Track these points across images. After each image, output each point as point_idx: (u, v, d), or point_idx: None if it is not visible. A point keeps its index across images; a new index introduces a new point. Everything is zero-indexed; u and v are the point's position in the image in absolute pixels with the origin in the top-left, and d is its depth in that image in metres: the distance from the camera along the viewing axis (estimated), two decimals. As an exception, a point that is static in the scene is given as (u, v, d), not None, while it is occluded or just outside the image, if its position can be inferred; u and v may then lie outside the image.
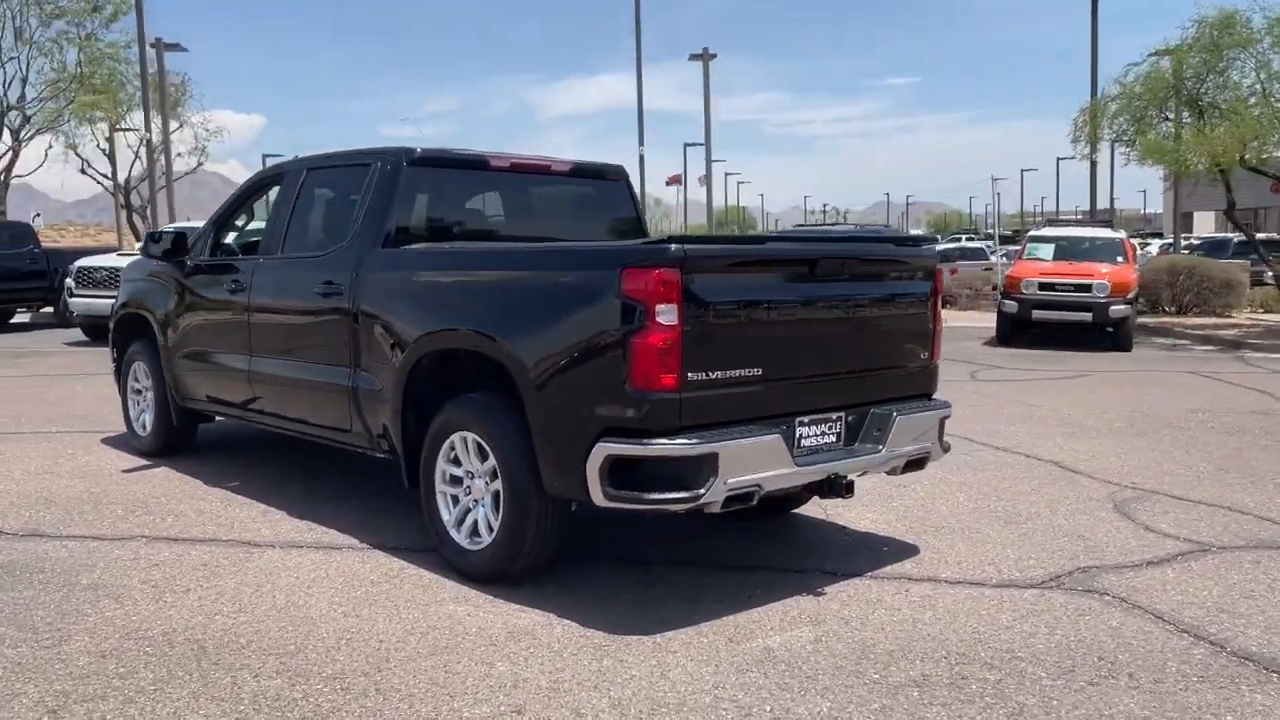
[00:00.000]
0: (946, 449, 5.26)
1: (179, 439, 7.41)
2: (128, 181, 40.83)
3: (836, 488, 4.60)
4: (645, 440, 4.07)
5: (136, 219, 39.87)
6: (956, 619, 4.37)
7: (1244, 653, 4.04)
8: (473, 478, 4.76)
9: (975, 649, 4.05)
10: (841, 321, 4.72)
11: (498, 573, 4.66)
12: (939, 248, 18.14)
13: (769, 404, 4.43)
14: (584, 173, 6.29)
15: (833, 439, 4.74)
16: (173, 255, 6.81)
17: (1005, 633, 4.22)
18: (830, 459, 4.64)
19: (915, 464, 5.07)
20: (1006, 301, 17.02)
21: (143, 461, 7.35)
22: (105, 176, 39.42)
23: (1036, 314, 16.65)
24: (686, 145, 50.36)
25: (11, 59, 32.08)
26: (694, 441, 4.09)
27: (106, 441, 8.07)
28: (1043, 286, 16.64)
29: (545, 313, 4.38)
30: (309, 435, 6.00)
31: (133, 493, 6.44)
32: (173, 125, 39.47)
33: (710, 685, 3.70)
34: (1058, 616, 4.41)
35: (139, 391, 7.66)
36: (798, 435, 4.57)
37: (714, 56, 29.65)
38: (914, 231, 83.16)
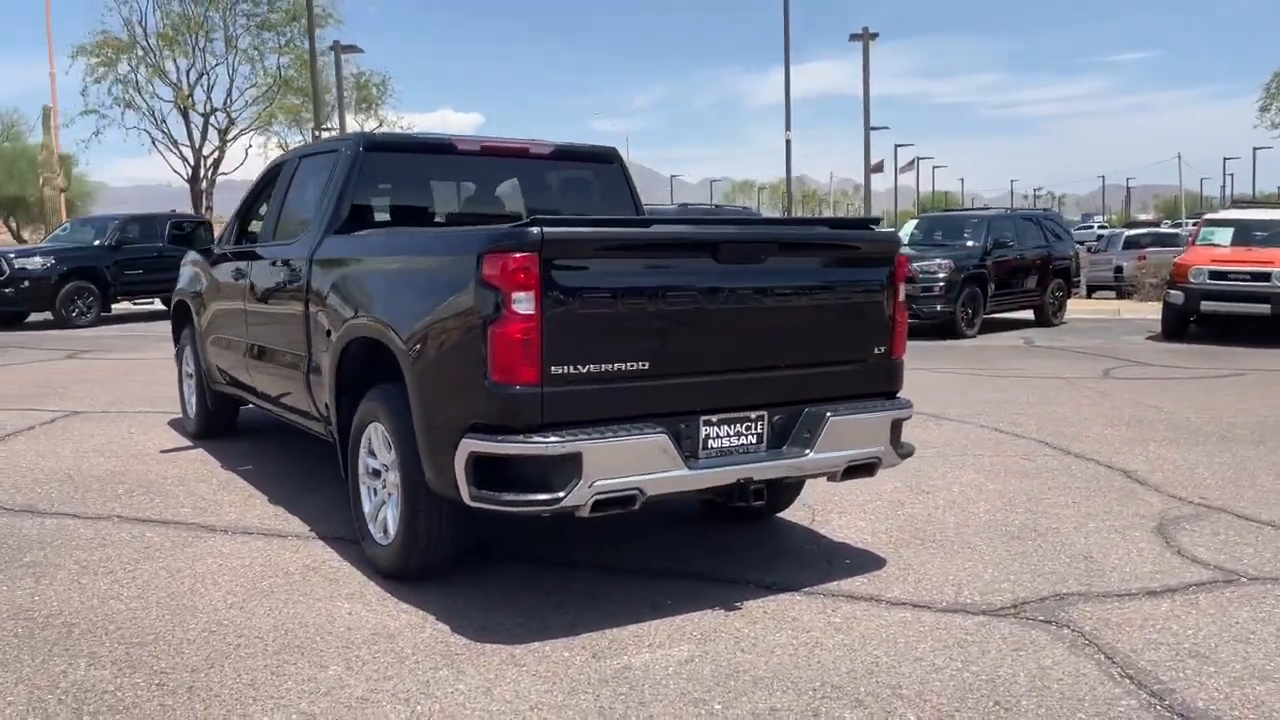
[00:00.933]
0: (907, 454, 4.70)
1: (218, 422, 7.63)
2: None
3: (744, 494, 4.17)
4: (504, 437, 3.80)
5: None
6: (865, 646, 3.87)
7: (1184, 709, 3.39)
8: (386, 470, 4.61)
9: (859, 682, 3.57)
10: (761, 312, 4.26)
11: (397, 570, 4.50)
12: (1101, 232, 16.51)
13: (662, 401, 4.06)
14: (569, 155, 6.02)
15: (752, 440, 4.30)
16: (192, 244, 6.98)
17: (910, 665, 3.71)
18: (742, 462, 4.21)
19: (861, 470, 4.55)
20: (1172, 292, 15.49)
21: (185, 443, 7.62)
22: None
23: (1205, 305, 15.08)
24: (870, 129, 48.60)
25: (218, 65, 34.52)
26: (554, 440, 3.78)
27: (172, 423, 8.43)
28: (1214, 275, 15.04)
29: (422, 301, 4.17)
30: (292, 421, 6.02)
31: (149, 473, 6.66)
32: (372, 124, 41.75)
33: (530, 704, 3.40)
34: (986, 649, 3.85)
35: (189, 375, 7.95)
36: (703, 436, 4.17)
37: (875, 36, 28.53)
38: (1142, 216, 77.30)
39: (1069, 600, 4.36)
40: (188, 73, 33.78)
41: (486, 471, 3.85)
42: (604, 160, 6.13)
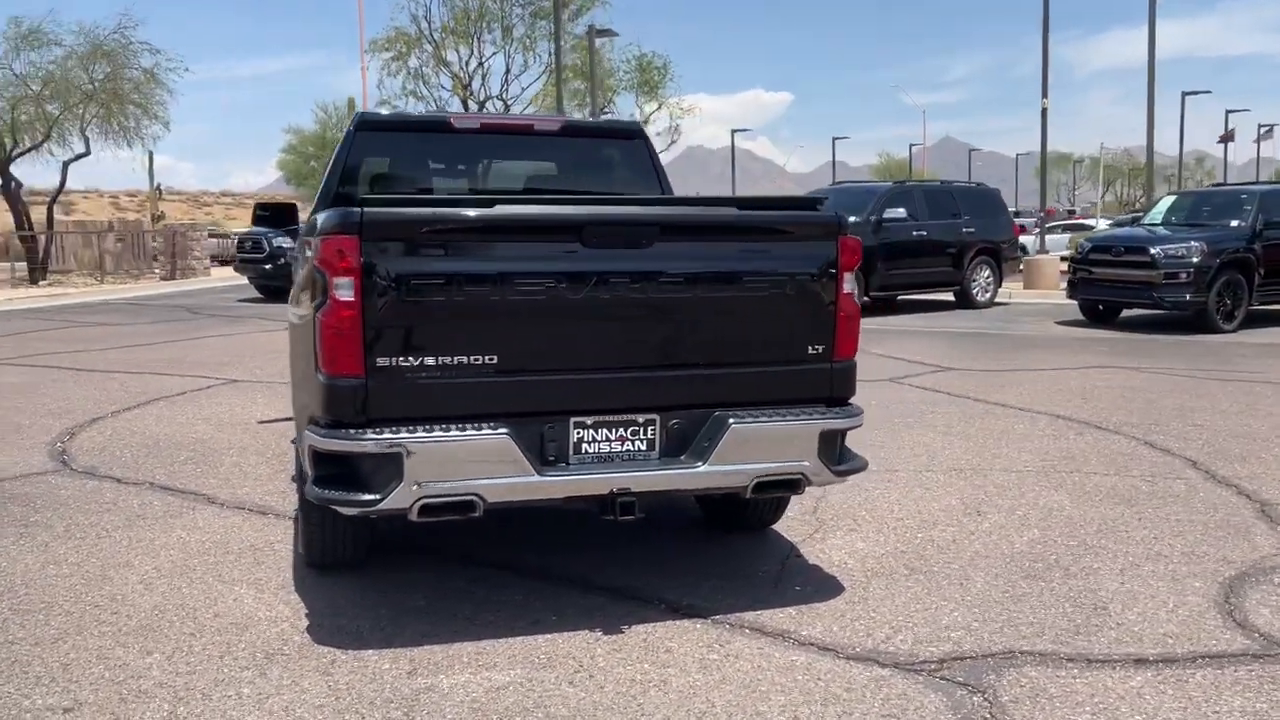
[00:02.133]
0: (851, 469, 4.03)
1: None
2: None
3: (611, 507, 3.71)
4: (328, 432, 3.57)
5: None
6: (713, 690, 3.34)
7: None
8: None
9: (658, 736, 3.07)
10: (650, 305, 3.75)
11: (308, 561, 4.40)
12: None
13: (515, 400, 3.67)
14: (584, 132, 5.66)
15: (640, 447, 3.82)
16: (276, 224, 7.19)
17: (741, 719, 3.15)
18: (617, 471, 3.75)
19: (780, 486, 3.93)
20: None
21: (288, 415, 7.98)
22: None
23: None
24: (1186, 94, 43.68)
25: (495, 54, 36.32)
26: (370, 437, 3.51)
27: (300, 395, 8.86)
28: None
29: (297, 288, 4.02)
30: None
31: (221, 442, 7.00)
32: (651, 106, 42.62)
33: (274, 706, 3.17)
34: (854, 709, 3.20)
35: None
36: (574, 439, 3.75)
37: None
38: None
39: (1017, 660, 3.57)
40: (466, 63, 35.84)
41: (324, 467, 3.65)
42: (625, 136, 5.72)
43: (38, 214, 26.74)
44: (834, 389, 4.00)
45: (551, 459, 3.71)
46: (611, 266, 3.68)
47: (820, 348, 3.94)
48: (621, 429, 3.78)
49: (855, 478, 5.85)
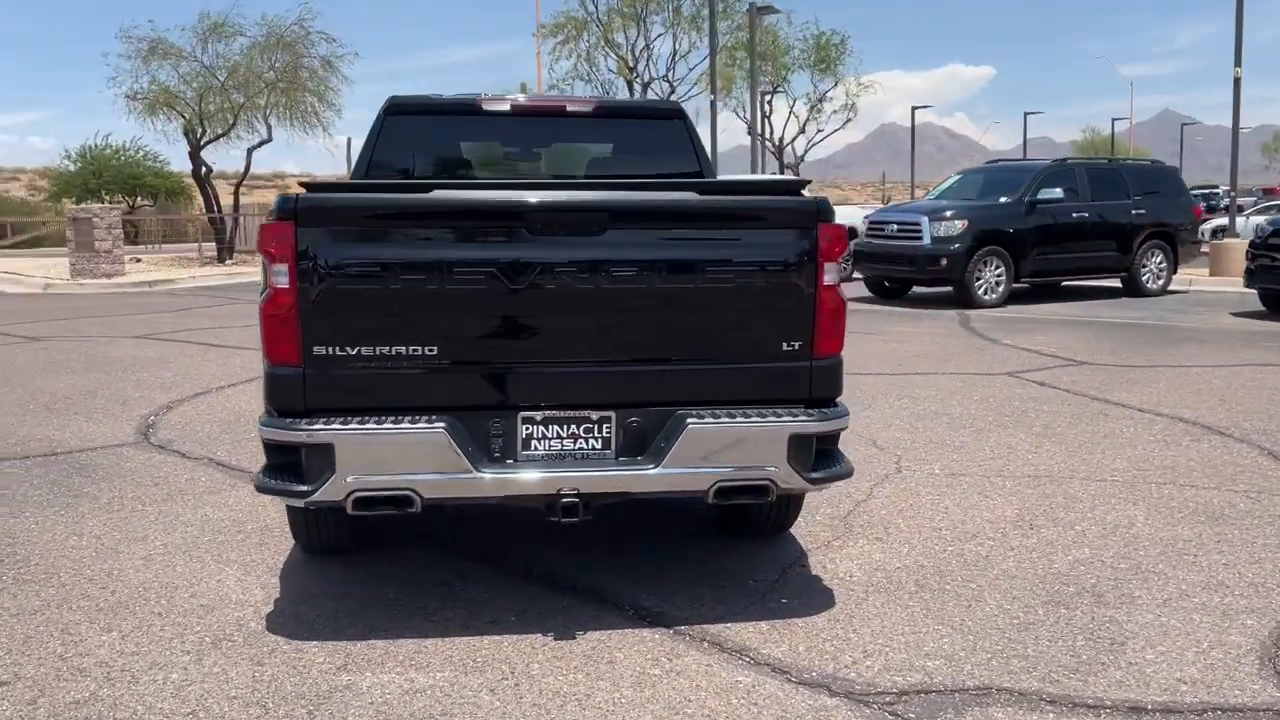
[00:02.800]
0: (830, 477, 3.69)
1: None
2: (781, 140, 43.79)
3: (555, 509, 3.51)
4: (269, 421, 3.53)
5: (789, 174, 42.85)
6: (622, 713, 3.12)
7: None
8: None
9: (549, 757, 2.88)
10: (605, 295, 3.52)
11: (303, 547, 4.42)
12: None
13: (458, 392, 3.53)
14: (619, 113, 5.44)
15: (595, 445, 3.61)
16: None
17: (644, 748, 2.93)
18: (565, 470, 3.55)
19: (747, 492, 3.64)
20: None
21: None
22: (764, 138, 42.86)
23: None
24: None
25: (660, 35, 36.22)
26: (302, 427, 3.44)
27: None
28: None
29: None
30: None
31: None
32: (828, 84, 41.78)
33: (199, 709, 3.15)
34: (768, 747, 2.93)
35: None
36: (522, 435, 3.58)
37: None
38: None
39: (989, 699, 3.19)
40: (633, 45, 35.91)
41: (273, 457, 3.61)
42: (663, 117, 5.47)
43: (230, 197, 28.47)
44: (814, 389, 3.67)
45: (498, 455, 3.55)
46: (559, 255, 3.48)
47: (797, 344, 3.63)
48: (574, 426, 3.59)
49: (911, 482, 5.51)
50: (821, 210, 3.58)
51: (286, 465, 3.54)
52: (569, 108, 5.39)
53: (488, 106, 5.26)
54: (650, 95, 35.75)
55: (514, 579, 4.21)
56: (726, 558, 4.44)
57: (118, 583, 4.17)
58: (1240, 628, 3.70)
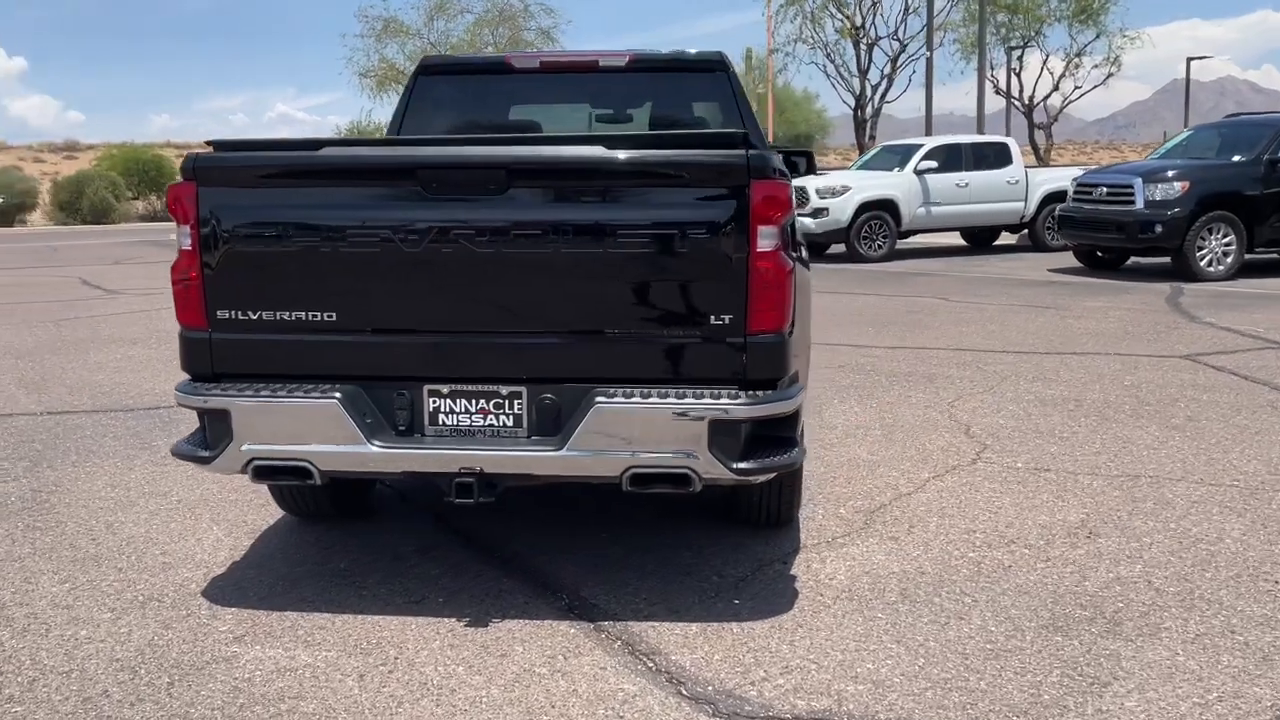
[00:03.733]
0: (748, 470, 3.24)
1: None
2: (1031, 99, 40.88)
3: (464, 489, 3.27)
4: (182, 385, 3.49)
5: (1040, 136, 39.87)
6: (473, 714, 2.87)
7: None
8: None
9: (362, 755, 2.68)
10: (514, 260, 3.21)
11: (292, 512, 4.41)
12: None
13: (359, 361, 3.35)
14: (653, 66, 5.06)
15: (506, 422, 3.34)
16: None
17: (467, 756, 2.67)
18: (471, 448, 3.30)
19: (665, 480, 3.25)
20: None
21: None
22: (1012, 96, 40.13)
23: None
24: None
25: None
26: (200, 392, 3.37)
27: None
28: None
29: None
30: None
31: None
32: (1089, 36, 38.67)
33: (77, 670, 3.16)
34: (597, 770, 2.60)
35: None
36: (430, 409, 3.36)
37: None
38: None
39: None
40: (859, 2, 34.46)
41: (199, 422, 3.58)
42: (703, 69, 5.05)
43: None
44: (750, 369, 3.24)
45: (403, 429, 3.36)
46: (458, 216, 3.22)
47: (726, 319, 3.20)
48: (483, 401, 3.33)
49: (978, 476, 4.88)
50: (754, 166, 3.13)
51: (198, 430, 3.50)
52: (602, 63, 5.07)
53: (518, 64, 5.04)
54: (880, 51, 34.22)
55: (473, 558, 4.02)
56: (709, 548, 4.07)
57: (109, 536, 4.30)
58: (1273, 680, 2.98)
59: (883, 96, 34.62)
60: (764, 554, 4.00)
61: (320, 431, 3.29)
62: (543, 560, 3.95)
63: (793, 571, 3.83)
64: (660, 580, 3.75)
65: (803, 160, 7.01)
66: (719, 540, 4.14)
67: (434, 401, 3.34)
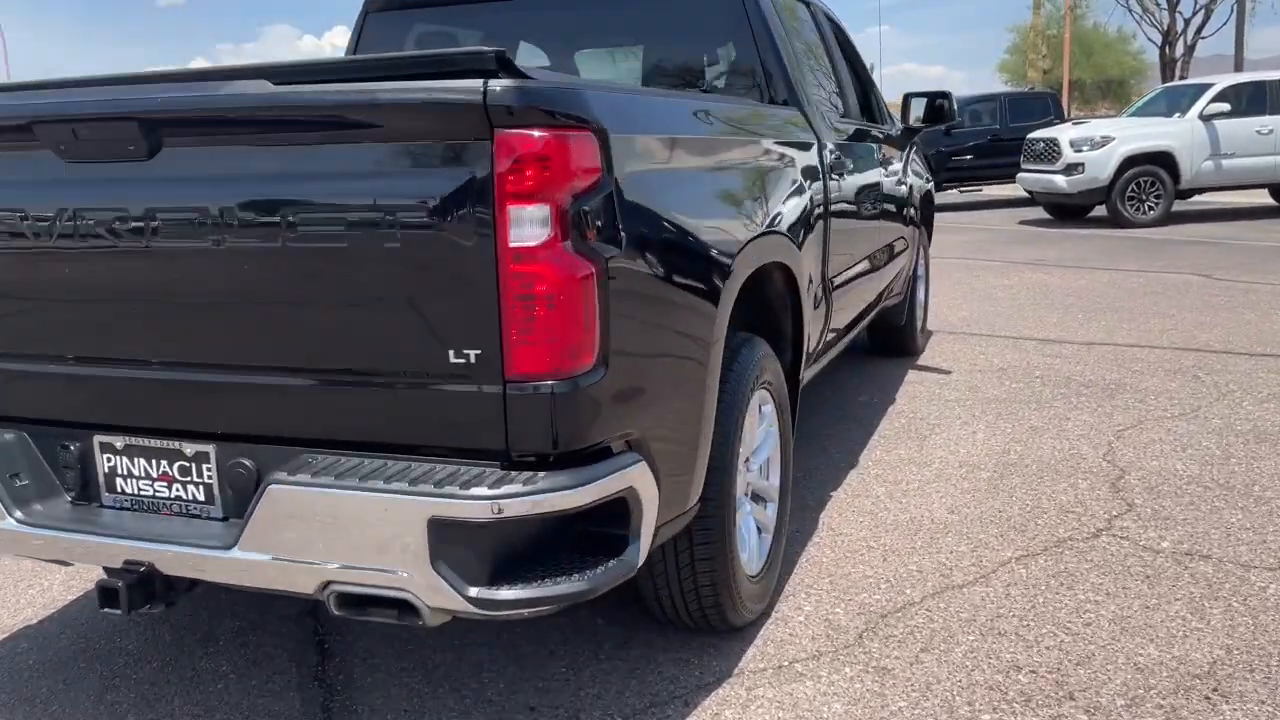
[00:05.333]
0: (496, 603, 2.00)
1: None
2: (1169, 29, 33.89)
3: (108, 596, 2.24)
4: None
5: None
6: None
7: None
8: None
9: None
10: (170, 257, 2.15)
11: None
12: None
13: (19, 398, 2.42)
14: None
15: (196, 495, 2.30)
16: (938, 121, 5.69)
17: None
18: (135, 532, 2.28)
19: (380, 605, 2.08)
20: None
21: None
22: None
23: None
24: None
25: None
26: None
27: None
28: None
29: None
30: None
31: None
32: None
33: None
34: None
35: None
36: (104, 468, 2.37)
37: None
38: None
39: None
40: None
41: None
42: None
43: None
44: (514, 435, 2.02)
45: (73, 492, 2.40)
46: (93, 196, 2.19)
47: (471, 354, 2.00)
48: (164, 463, 2.31)
49: (1095, 558, 3.36)
50: (498, 106, 1.88)
51: None
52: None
53: (485, -7, 3.94)
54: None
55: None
56: (609, 659, 2.87)
57: None
58: None
59: (1198, 32, 30.03)
60: (680, 678, 2.75)
61: None
62: (360, 644, 2.89)
63: (742, 635, 2.58)
64: (569, 636, 2.61)
65: (945, 102, 5.52)
66: (638, 641, 2.92)
67: (109, 458, 2.36)
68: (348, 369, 2.10)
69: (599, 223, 2.03)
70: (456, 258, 1.96)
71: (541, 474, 2.00)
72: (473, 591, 1.99)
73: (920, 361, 6.28)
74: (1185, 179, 13.79)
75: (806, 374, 3.76)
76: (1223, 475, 4.13)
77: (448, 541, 1.97)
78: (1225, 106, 13.76)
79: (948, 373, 5.97)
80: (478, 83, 1.88)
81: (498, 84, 1.88)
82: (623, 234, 2.09)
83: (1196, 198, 14.83)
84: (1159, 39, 30.75)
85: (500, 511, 1.95)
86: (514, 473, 2.00)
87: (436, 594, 2.00)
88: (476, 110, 1.88)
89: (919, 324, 6.50)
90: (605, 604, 2.71)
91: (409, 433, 2.09)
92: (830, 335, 4.00)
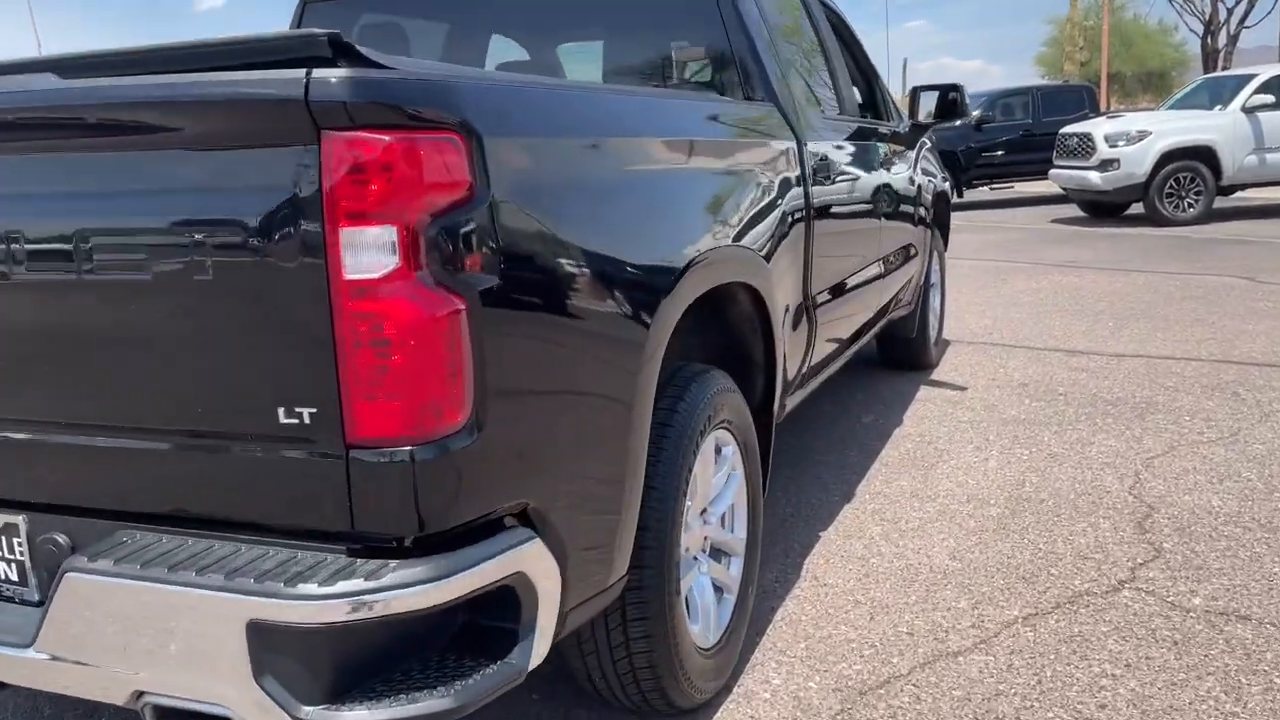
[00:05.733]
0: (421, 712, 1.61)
1: None
2: (1211, 18, 32.83)
3: None
4: None
5: None
6: None
7: None
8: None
9: None
10: None
11: None
12: None
13: None
14: None
15: (11, 574, 1.92)
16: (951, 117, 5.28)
17: None
18: None
19: None
20: None
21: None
22: None
23: None
24: None
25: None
26: None
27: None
28: None
29: None
30: None
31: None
32: None
33: None
34: None
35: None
36: None
37: None
38: None
39: None
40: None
41: None
42: None
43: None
44: (359, 513, 1.62)
45: None
46: None
47: (306, 413, 1.60)
48: None
49: (1114, 618, 2.93)
50: (325, 102, 1.48)
51: None
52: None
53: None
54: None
55: None
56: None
57: None
58: None
59: (1241, 21, 29.05)
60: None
61: None
62: None
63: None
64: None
65: (957, 96, 5.09)
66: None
67: None
68: (165, 429, 1.71)
69: (469, 247, 1.62)
70: (282, 294, 1.56)
71: (394, 563, 1.60)
72: (306, 712, 1.59)
73: (934, 376, 5.82)
74: (1227, 174, 13.16)
75: (790, 401, 3.35)
76: (1264, 513, 3.66)
77: (274, 650, 1.58)
78: (1270, 98, 13.11)
79: (963, 389, 5.50)
80: (299, 73, 1.48)
81: (326, 74, 1.48)
82: (503, 260, 1.68)
83: (1239, 194, 14.18)
84: (1200, 29, 29.79)
85: (336, 616, 1.55)
86: (359, 562, 1.61)
87: (264, 714, 1.60)
88: (297, 107, 1.49)
89: (932, 335, 6.03)
90: (536, 679, 2.32)
91: (246, 508, 1.70)
92: (818, 358, 3.57)
